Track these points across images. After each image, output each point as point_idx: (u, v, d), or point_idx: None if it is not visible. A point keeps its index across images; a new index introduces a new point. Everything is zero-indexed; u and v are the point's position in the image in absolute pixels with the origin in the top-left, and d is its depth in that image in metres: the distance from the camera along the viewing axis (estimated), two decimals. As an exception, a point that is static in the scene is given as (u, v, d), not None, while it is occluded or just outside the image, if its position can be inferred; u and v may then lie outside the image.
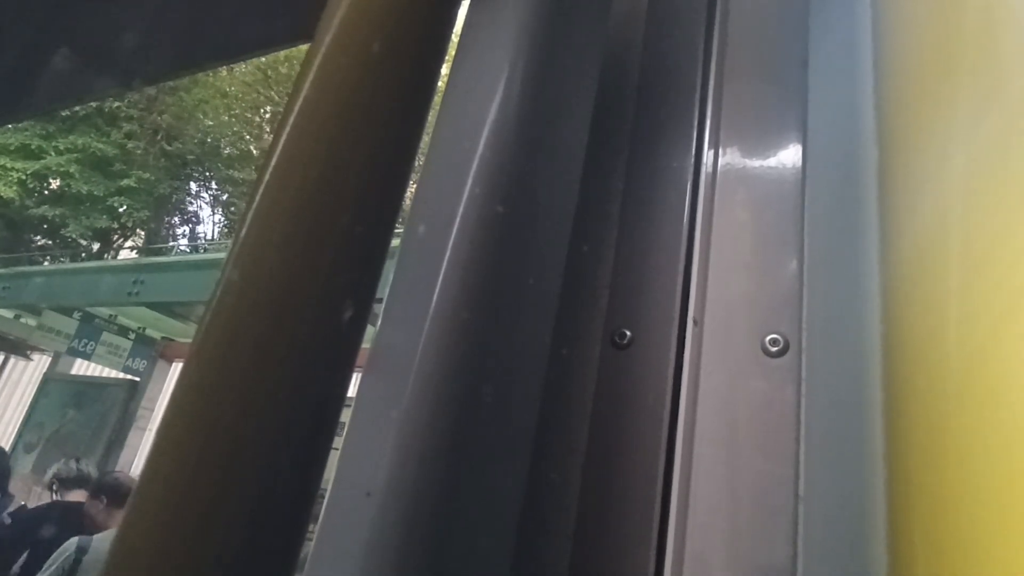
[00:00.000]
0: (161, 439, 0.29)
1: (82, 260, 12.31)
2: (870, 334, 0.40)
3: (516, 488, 0.45)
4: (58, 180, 12.60)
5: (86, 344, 7.94)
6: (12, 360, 12.10)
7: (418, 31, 0.37)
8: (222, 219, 14.91)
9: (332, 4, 0.36)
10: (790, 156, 0.57)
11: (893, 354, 0.35)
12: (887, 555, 0.32)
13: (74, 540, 2.67)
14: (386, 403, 0.40)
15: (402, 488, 0.38)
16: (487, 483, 0.43)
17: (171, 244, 14.78)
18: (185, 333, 8.33)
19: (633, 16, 0.69)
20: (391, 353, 0.43)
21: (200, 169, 14.34)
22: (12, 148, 12.06)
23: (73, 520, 3.03)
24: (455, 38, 0.49)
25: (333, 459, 0.35)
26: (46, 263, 11.98)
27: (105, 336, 8.09)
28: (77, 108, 11.59)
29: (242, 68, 13.07)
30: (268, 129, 13.64)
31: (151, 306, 7.56)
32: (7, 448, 6.23)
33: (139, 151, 12.83)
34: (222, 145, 14.14)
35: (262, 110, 13.87)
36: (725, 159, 0.60)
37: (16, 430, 8.76)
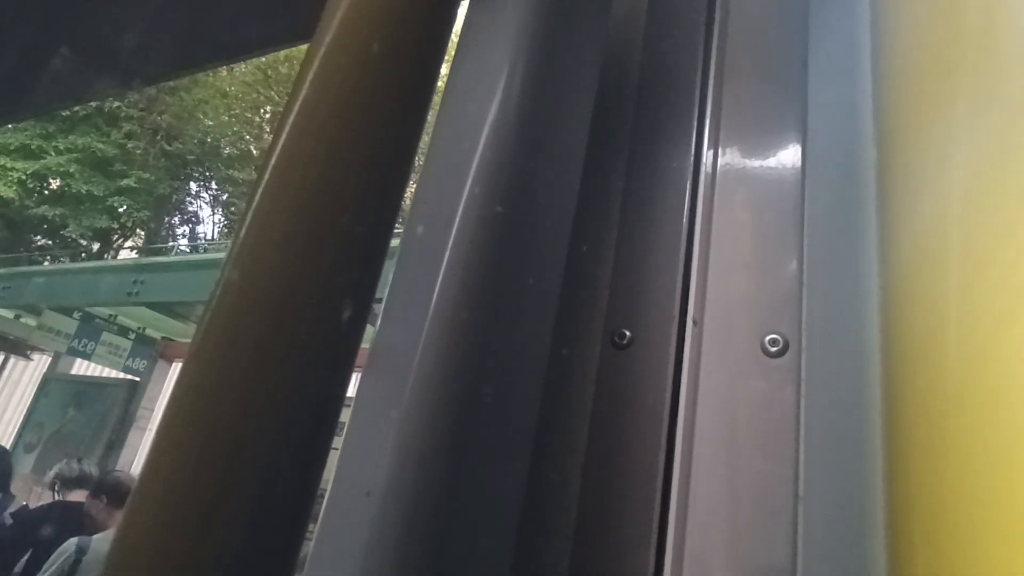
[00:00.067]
0: (161, 439, 0.29)
1: (82, 260, 12.32)
2: (870, 334, 0.40)
3: (516, 488, 0.45)
4: (58, 180, 12.61)
5: (86, 344, 7.93)
6: (12, 360, 12.10)
7: (418, 31, 0.37)
8: (222, 219, 14.92)
9: (332, 4, 0.36)
10: (790, 156, 0.57)
11: (893, 354, 0.35)
12: (887, 555, 0.32)
13: (73, 540, 2.67)
14: (386, 403, 0.40)
15: (402, 488, 0.38)
16: (487, 483, 0.43)
17: (171, 244, 14.78)
18: (185, 333, 8.33)
19: (633, 16, 0.69)
20: (391, 353, 0.43)
21: (200, 169, 14.34)
22: (12, 148, 12.07)
23: (74, 520, 3.03)
24: (455, 38, 0.49)
25: (333, 459, 0.35)
26: (46, 263, 11.99)
27: (105, 336, 8.09)
28: (77, 108, 11.60)
29: (242, 68, 13.07)
30: (268, 129, 13.64)
31: (151, 306, 7.56)
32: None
33: (139, 151, 12.84)
34: (222, 145, 14.14)
35: (262, 110, 13.87)
36: (725, 159, 0.60)
37: (16, 430, 8.75)
